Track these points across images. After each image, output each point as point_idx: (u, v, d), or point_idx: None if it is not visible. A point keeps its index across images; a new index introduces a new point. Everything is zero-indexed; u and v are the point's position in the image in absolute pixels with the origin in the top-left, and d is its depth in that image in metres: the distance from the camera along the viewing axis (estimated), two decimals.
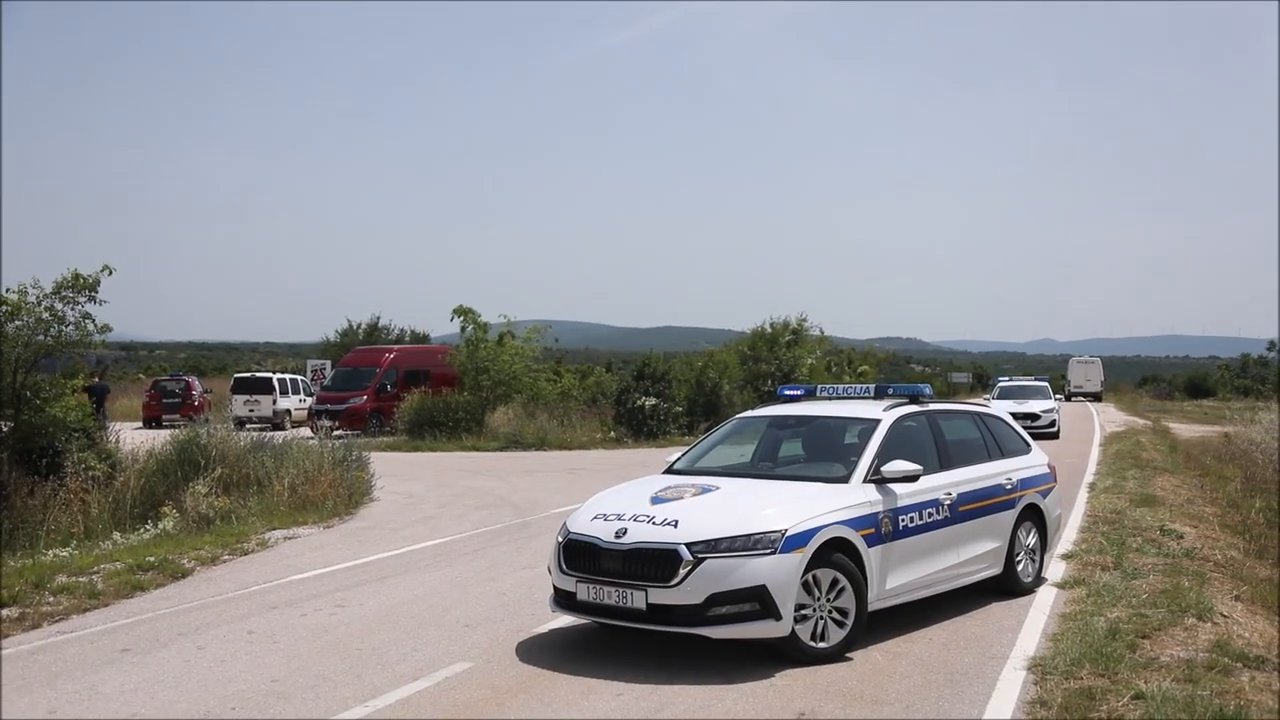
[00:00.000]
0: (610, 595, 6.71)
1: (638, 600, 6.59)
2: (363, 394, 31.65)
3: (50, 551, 10.61)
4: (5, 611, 8.29)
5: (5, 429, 12.18)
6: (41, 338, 11.97)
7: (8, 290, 11.93)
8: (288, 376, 38.44)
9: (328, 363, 41.39)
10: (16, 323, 11.91)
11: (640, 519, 6.89)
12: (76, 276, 11.86)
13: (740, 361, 33.42)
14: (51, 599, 8.71)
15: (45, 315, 11.92)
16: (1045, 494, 9.13)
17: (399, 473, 18.67)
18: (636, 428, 28.05)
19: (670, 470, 8.31)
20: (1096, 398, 61.80)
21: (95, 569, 9.80)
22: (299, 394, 36.96)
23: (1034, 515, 8.93)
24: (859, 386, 9.24)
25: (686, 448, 8.90)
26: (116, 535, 11.43)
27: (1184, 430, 32.22)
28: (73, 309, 11.97)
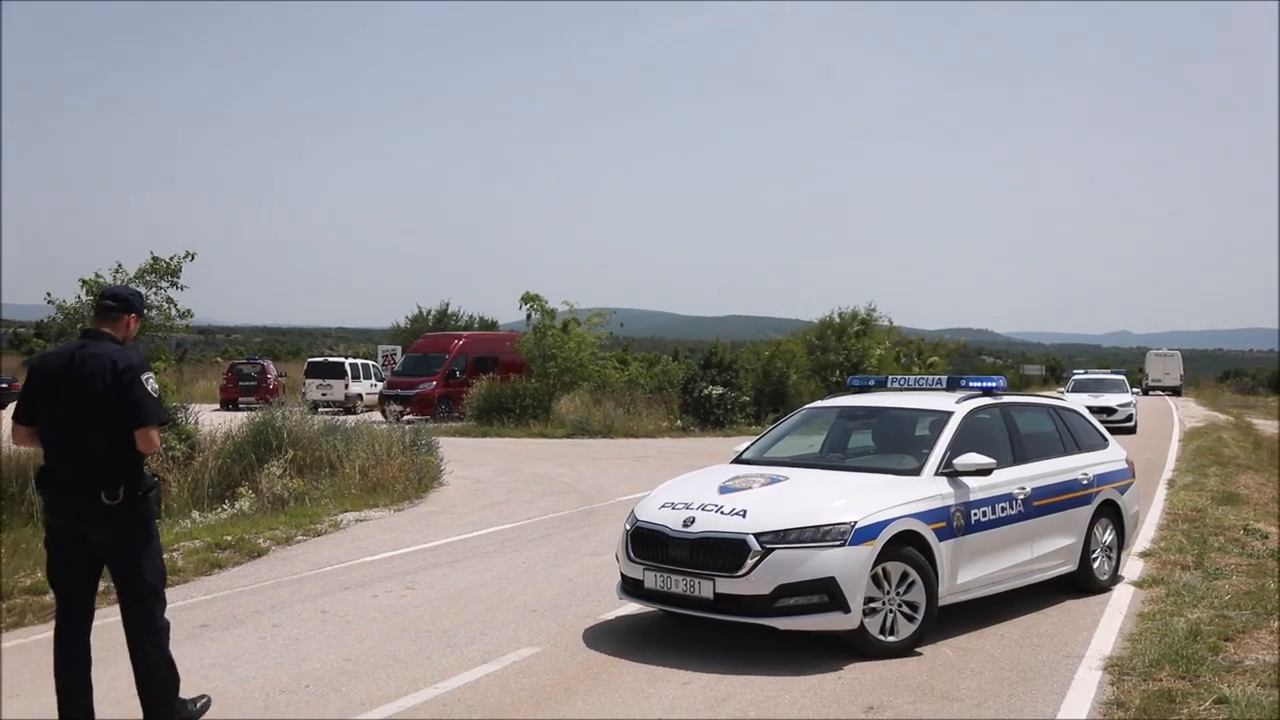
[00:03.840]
0: (678, 584, 6.70)
1: (705, 589, 6.57)
2: (432, 380, 32.03)
3: None
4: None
5: None
6: None
7: (95, 274, 12.27)
8: (359, 361, 39.09)
9: (398, 348, 42.01)
10: None
11: (708, 508, 6.87)
12: (157, 261, 12.14)
13: (808, 351, 33.18)
14: None
15: None
16: (1123, 490, 8.93)
17: (467, 458, 18.85)
18: (703, 417, 28.01)
19: (738, 460, 8.27)
20: (1176, 392, 60.37)
21: (175, 547, 10.05)
22: (370, 379, 37.55)
23: (1111, 512, 8.74)
24: (931, 378, 9.15)
25: (755, 438, 8.85)
26: (195, 514, 11.70)
27: (1268, 426, 31.30)
28: (156, 294, 12.26)
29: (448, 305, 53.34)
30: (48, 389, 5.07)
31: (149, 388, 5.07)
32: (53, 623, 7.49)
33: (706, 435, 26.42)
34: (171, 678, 5.25)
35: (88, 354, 5.08)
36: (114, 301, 5.30)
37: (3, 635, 6.77)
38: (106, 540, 5.10)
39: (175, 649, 6.42)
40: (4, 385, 37.25)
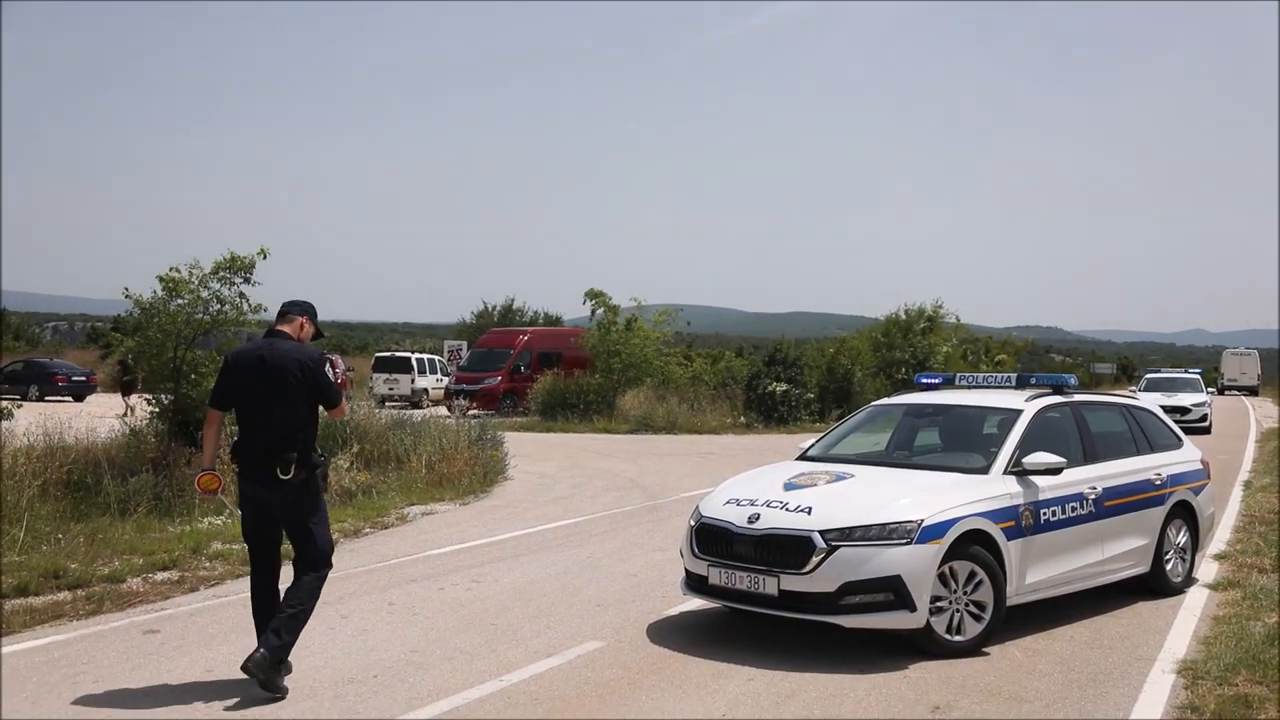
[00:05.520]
0: (742, 580, 6.70)
1: (770, 586, 6.56)
2: (497, 375, 32.32)
3: (205, 519, 11.15)
4: (165, 575, 8.75)
5: (166, 401, 12.81)
6: (200, 315, 12.52)
7: (171, 269, 12.52)
8: (426, 356, 39.56)
9: (464, 343, 42.42)
10: (179, 300, 12.49)
11: (773, 505, 6.85)
12: (234, 258, 12.37)
13: (873, 348, 32.91)
14: (207, 564, 9.16)
15: (204, 295, 12.47)
16: (1198, 491, 8.74)
17: (531, 453, 18.99)
18: (767, 413, 27.91)
19: (803, 457, 8.24)
20: (1253, 392, 58.91)
21: None
22: (436, 373, 37.97)
23: (1185, 513, 8.56)
24: (999, 376, 9.03)
25: (820, 434, 8.81)
26: None
27: None
28: (229, 289, 12.48)
29: (513, 301, 53.77)
30: (243, 380, 5.93)
31: (329, 375, 6.15)
32: (128, 609, 7.73)
33: (770, 432, 26.33)
34: (301, 624, 5.92)
35: (276, 352, 5.96)
36: (293, 309, 6.23)
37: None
38: (282, 508, 5.94)
39: (250, 637, 6.59)
40: (83, 378, 38.29)
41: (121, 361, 31.56)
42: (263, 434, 5.88)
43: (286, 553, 6.13)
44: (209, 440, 6.18)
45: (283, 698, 5.72)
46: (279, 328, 6.16)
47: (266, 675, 5.71)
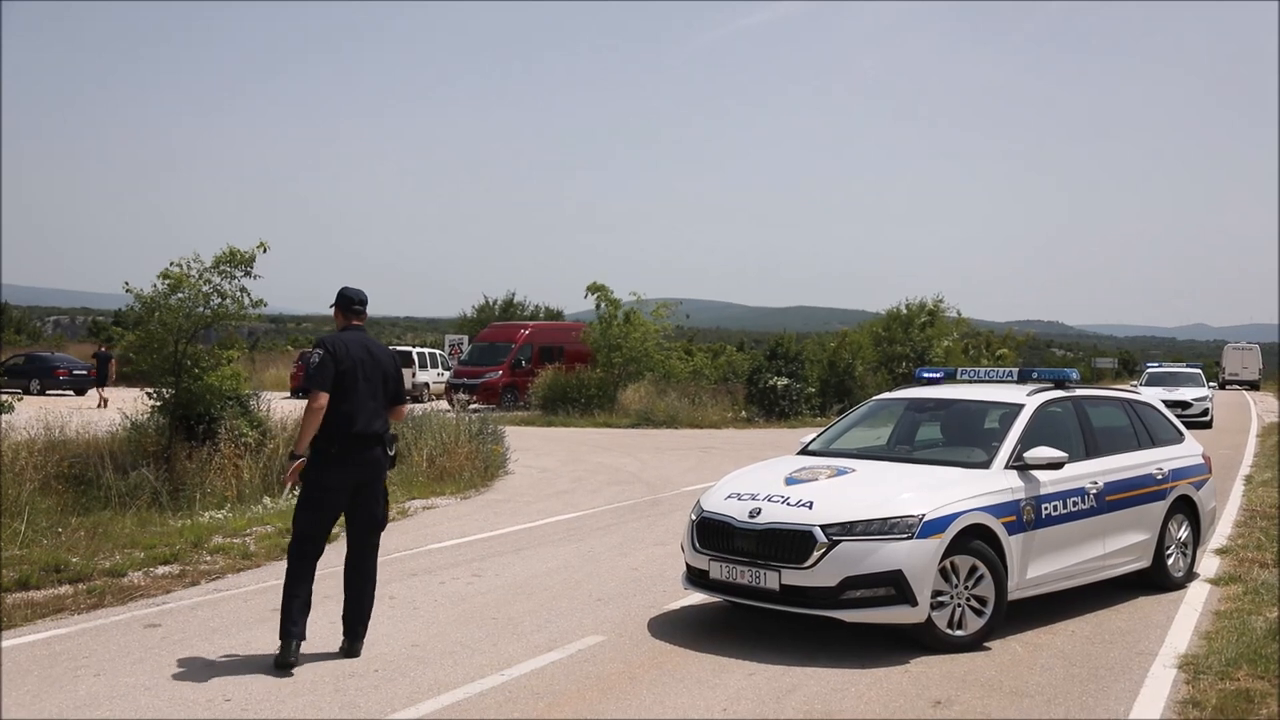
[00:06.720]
0: (743, 575, 6.70)
1: (771, 581, 6.56)
2: (498, 369, 32.32)
3: (206, 514, 11.14)
4: (166, 569, 8.76)
5: (168, 395, 12.81)
6: (201, 310, 12.53)
7: (171, 264, 12.52)
8: (426, 350, 39.54)
9: (465, 338, 42.41)
10: (179, 295, 12.49)
11: (774, 499, 6.85)
12: (234, 252, 12.36)
13: (874, 343, 32.91)
14: (209, 558, 9.16)
15: (205, 289, 12.47)
16: (1199, 485, 8.74)
17: (533, 447, 18.99)
18: (768, 408, 27.92)
19: (805, 451, 8.23)
20: (1254, 386, 58.93)
21: (248, 531, 10.26)
22: (437, 368, 37.95)
23: (1186, 507, 8.55)
24: (1001, 370, 9.01)
25: (821, 429, 8.81)
26: (266, 500, 11.92)
27: None
28: (230, 283, 12.49)
29: (514, 295, 53.72)
30: (352, 369, 6.29)
31: None
32: (129, 604, 7.72)
33: (771, 426, 26.33)
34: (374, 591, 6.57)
35: (376, 345, 6.50)
36: (363, 306, 6.61)
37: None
38: (375, 481, 6.41)
39: (251, 631, 6.60)
40: (84, 372, 38.30)
41: (95, 353, 31.98)
42: (371, 419, 6.31)
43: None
44: (315, 425, 6.27)
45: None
46: (356, 322, 6.53)
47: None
